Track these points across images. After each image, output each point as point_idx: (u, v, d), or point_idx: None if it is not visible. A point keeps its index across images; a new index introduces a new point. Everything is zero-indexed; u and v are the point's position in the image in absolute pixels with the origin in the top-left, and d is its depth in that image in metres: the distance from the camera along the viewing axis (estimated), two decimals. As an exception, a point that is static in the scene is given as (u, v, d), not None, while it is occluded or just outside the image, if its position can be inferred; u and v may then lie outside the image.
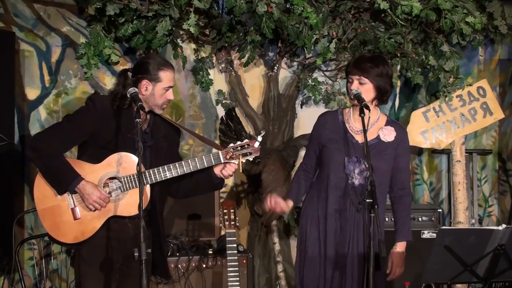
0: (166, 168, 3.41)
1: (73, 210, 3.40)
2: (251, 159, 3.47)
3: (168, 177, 3.42)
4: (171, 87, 3.49)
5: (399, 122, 3.83)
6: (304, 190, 3.72)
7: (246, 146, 3.45)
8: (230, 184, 5.14)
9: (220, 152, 3.45)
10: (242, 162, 3.45)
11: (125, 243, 3.45)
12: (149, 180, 3.39)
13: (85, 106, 3.49)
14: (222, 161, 3.45)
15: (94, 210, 3.38)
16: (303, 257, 3.63)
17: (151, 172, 3.40)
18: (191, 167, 3.42)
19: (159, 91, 3.46)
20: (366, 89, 3.51)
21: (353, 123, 3.61)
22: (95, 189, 3.36)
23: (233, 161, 3.45)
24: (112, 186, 3.41)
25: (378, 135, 3.59)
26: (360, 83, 3.51)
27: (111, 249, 3.43)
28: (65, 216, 3.40)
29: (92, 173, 3.39)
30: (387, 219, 3.83)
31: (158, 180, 3.41)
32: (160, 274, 3.75)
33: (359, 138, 3.57)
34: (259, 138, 3.46)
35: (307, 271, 3.60)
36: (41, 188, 3.42)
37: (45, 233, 3.52)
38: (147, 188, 3.41)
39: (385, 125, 3.63)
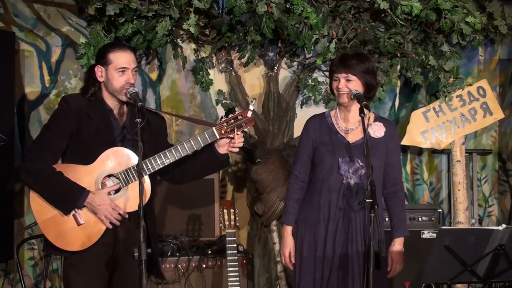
0: (162, 155, 3.34)
1: (74, 216, 3.31)
2: (246, 129, 3.39)
3: (166, 163, 3.34)
4: (125, 68, 3.35)
5: (386, 118, 3.84)
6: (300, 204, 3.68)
7: (239, 117, 3.38)
8: (230, 184, 5.14)
9: (214, 128, 3.37)
10: (237, 134, 3.36)
11: (114, 247, 3.36)
12: (147, 170, 3.31)
13: (59, 108, 3.39)
14: (218, 137, 3.36)
15: (109, 224, 3.29)
16: (299, 262, 3.61)
17: (147, 162, 3.31)
18: (187, 149, 3.36)
19: (112, 73, 3.34)
20: (354, 86, 3.50)
21: (342, 123, 3.61)
22: (104, 198, 3.27)
23: (230, 135, 3.37)
24: (110, 184, 3.34)
25: (368, 132, 3.58)
26: (348, 81, 3.51)
27: (101, 255, 3.35)
28: (68, 224, 3.31)
29: (87, 175, 3.31)
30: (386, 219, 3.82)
31: (156, 168, 3.33)
32: (155, 274, 3.68)
33: (349, 138, 3.57)
34: (251, 107, 3.38)
35: (303, 276, 3.59)
36: (38, 199, 3.32)
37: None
38: (147, 179, 3.32)
39: (374, 121, 3.62)
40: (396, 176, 3.64)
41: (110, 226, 3.31)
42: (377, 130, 3.59)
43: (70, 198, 3.28)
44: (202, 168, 3.54)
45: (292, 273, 3.69)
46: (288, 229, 3.66)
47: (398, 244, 3.59)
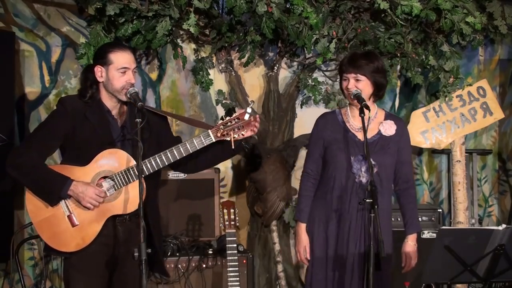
0: (158, 158, 3.34)
1: (69, 217, 3.31)
2: (244, 132, 3.36)
3: (161, 166, 3.35)
4: (126, 68, 3.34)
5: (396, 115, 3.85)
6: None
7: (236, 120, 3.37)
8: (230, 184, 5.14)
9: (210, 131, 3.37)
10: (234, 137, 3.34)
11: (115, 247, 3.36)
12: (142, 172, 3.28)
13: (55, 109, 3.40)
14: (214, 140, 3.36)
15: (93, 209, 3.29)
16: (311, 259, 3.63)
17: (142, 164, 3.29)
18: (182, 152, 3.36)
19: (113, 73, 3.33)
20: (363, 86, 3.52)
21: (353, 122, 3.62)
22: (87, 186, 3.27)
23: (226, 138, 3.35)
24: (105, 186, 3.32)
25: (379, 130, 3.60)
26: (357, 80, 3.52)
27: (101, 255, 3.34)
28: (62, 225, 3.30)
29: (83, 176, 3.30)
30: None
31: (151, 171, 3.34)
32: (159, 272, 3.68)
33: (361, 136, 3.56)
34: (248, 110, 3.36)
35: (315, 274, 3.61)
36: (33, 200, 3.32)
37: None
38: (142, 181, 3.26)
39: (384, 119, 3.64)
40: (408, 173, 3.67)
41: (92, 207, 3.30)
42: (388, 128, 3.61)
43: (54, 187, 3.27)
44: (215, 157, 3.55)
45: (308, 270, 3.69)
46: (302, 226, 3.68)
47: (411, 241, 3.65)
